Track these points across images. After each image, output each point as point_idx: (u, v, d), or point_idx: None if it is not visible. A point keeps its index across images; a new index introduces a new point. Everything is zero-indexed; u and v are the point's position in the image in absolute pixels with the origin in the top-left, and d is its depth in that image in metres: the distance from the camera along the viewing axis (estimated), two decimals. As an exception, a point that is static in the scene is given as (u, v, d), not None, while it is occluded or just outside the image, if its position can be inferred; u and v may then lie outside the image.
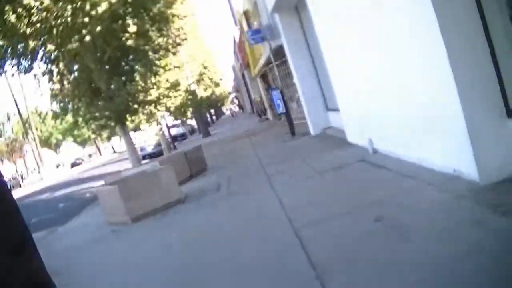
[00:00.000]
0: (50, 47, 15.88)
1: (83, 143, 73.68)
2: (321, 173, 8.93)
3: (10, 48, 16.22)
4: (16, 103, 57.26)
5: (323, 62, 12.62)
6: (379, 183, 7.00)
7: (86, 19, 15.33)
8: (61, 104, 19.05)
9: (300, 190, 8.28)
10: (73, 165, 64.79)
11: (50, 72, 18.72)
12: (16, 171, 68.16)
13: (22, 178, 66.28)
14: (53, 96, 19.22)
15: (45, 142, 66.65)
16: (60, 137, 67.12)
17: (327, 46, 11.13)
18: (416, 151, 7.06)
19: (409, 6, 5.88)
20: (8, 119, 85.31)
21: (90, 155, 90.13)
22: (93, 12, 15.11)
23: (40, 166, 58.53)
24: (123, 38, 17.89)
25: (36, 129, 59.33)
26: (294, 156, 12.11)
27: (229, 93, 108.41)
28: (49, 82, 18.82)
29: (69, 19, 15.29)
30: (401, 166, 7.38)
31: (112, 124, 18.93)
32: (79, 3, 15.00)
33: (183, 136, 52.53)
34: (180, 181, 12.55)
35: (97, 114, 18.09)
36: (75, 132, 34.84)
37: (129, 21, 16.90)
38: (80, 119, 19.23)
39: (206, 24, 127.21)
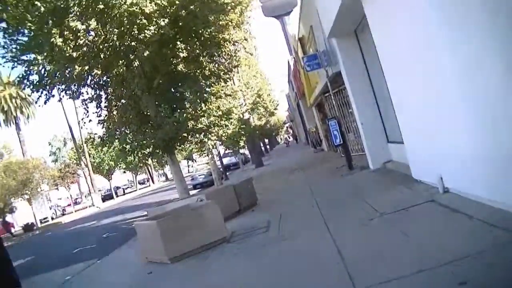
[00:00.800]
0: (97, 71, 15.36)
1: (135, 169, 73.78)
2: (385, 216, 7.75)
3: (57, 73, 15.77)
4: (70, 128, 57.99)
5: (384, 90, 11.55)
6: (457, 233, 5.80)
7: (134, 43, 14.70)
8: (109, 131, 18.47)
9: (360, 236, 7.11)
10: (105, 198, 64.51)
11: (98, 97, 18.23)
12: (70, 196, 69.10)
13: (75, 203, 67.15)
14: (101, 123, 18.69)
15: (97, 168, 67.12)
16: (112, 163, 67.47)
17: (390, 73, 10.01)
18: (505, 193, 5.81)
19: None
20: (65, 144, 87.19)
21: (141, 183, 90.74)
22: (141, 36, 14.46)
23: (91, 192, 59.03)
24: (173, 64, 17.25)
25: (89, 155, 59.79)
26: (352, 193, 10.96)
27: (284, 122, 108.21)
28: (97, 108, 18.30)
29: (116, 42, 14.71)
30: (483, 211, 6.13)
31: (160, 152, 18.21)
32: (127, 26, 14.39)
33: (235, 166, 51.86)
34: (227, 216, 11.70)
35: (144, 141, 17.41)
36: (128, 159, 34.73)
37: (180, 45, 16.22)
38: (127, 147, 18.59)
39: (261, 52, 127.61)
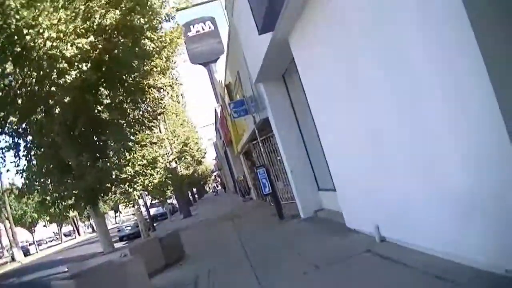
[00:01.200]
0: (13, 118, 14.36)
1: (60, 221, 70.65)
2: (320, 268, 7.27)
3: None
4: (-9, 178, 54.75)
5: (313, 136, 11.32)
6: (395, 284, 5.39)
7: (53, 88, 13.87)
8: (27, 182, 17.28)
9: (296, 292, 6.59)
10: (25, 252, 61.38)
11: (16, 146, 17.06)
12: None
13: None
14: (19, 173, 17.46)
15: (19, 221, 63.64)
16: (35, 215, 64.25)
17: (319, 117, 9.77)
18: (444, 241, 5.48)
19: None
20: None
21: (67, 235, 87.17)
22: (61, 81, 13.67)
23: (12, 246, 55.86)
24: (96, 111, 16.47)
25: (10, 206, 56.60)
26: (284, 245, 10.47)
27: (212, 171, 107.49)
28: (15, 157, 17.11)
29: (35, 87, 13.87)
30: (423, 261, 5.78)
31: (82, 204, 17.21)
32: (46, 70, 13.59)
33: (163, 216, 50.60)
34: (153, 271, 11.07)
35: (65, 193, 16.40)
36: (51, 210, 32.70)
37: (103, 91, 15.52)
38: (48, 198, 17.47)
39: (188, 100, 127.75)
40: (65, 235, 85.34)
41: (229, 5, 14.85)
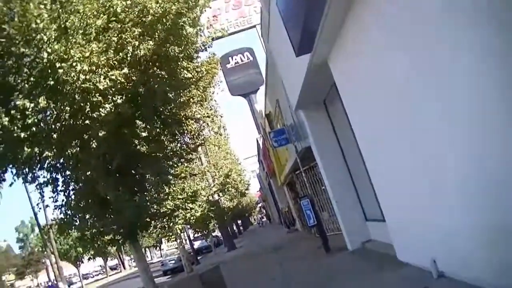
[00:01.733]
0: (48, 153, 14.05)
1: (104, 255, 70.95)
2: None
3: (8, 154, 14.45)
4: (35, 213, 55.14)
5: (359, 164, 10.65)
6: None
7: (88, 122, 13.54)
8: (67, 218, 16.92)
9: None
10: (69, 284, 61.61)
11: (55, 181, 16.71)
12: (37, 286, 66.22)
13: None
14: (58, 208, 17.10)
15: (65, 255, 64.04)
16: (80, 250, 64.67)
17: (366, 144, 9.07)
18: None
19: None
20: (33, 230, 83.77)
21: (113, 268, 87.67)
22: (95, 114, 13.33)
23: (58, 281, 56.18)
24: (133, 144, 16.08)
25: (56, 241, 56.84)
26: (330, 281, 9.70)
27: (256, 202, 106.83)
28: (53, 192, 16.77)
29: (70, 121, 13.59)
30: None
31: (121, 239, 16.74)
32: (80, 103, 13.29)
33: (207, 249, 50.09)
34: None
35: (102, 228, 15.97)
36: (89, 246, 32.70)
37: (139, 124, 15.13)
38: (87, 233, 17.06)
39: (231, 131, 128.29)
40: (111, 268, 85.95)
41: (265, 32, 14.45)
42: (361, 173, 11.17)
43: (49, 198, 16.91)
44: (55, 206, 17.03)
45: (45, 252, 60.49)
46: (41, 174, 16.50)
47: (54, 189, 16.78)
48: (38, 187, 16.71)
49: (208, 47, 17.07)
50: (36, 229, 76.00)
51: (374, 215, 11.56)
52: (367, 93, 7.88)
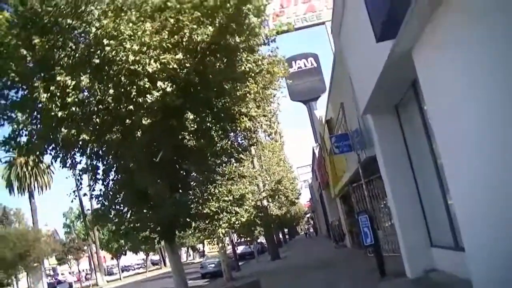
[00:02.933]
0: (85, 136, 12.96)
1: (145, 250, 70.89)
2: None
3: (49, 134, 13.53)
4: (80, 201, 55.20)
5: (431, 179, 9.26)
6: None
7: (131, 107, 12.39)
8: (102, 209, 15.92)
9: None
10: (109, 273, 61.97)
11: (94, 168, 15.65)
12: (78, 272, 66.90)
13: (86, 279, 64.73)
14: (95, 198, 16.09)
15: (106, 246, 63.92)
16: (121, 242, 64.67)
17: (451, 153, 7.39)
18: None
19: None
20: (79, 217, 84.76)
21: (154, 263, 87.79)
22: (140, 99, 12.16)
23: (97, 271, 56.37)
24: (180, 137, 14.88)
25: (98, 230, 56.74)
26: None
27: (305, 213, 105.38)
28: (91, 180, 15.77)
29: (112, 105, 12.51)
30: None
31: (157, 238, 15.62)
32: (126, 87, 12.17)
33: (250, 255, 48.90)
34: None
35: (138, 223, 14.88)
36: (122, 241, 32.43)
37: (189, 115, 13.91)
38: (122, 227, 15.99)
39: (285, 136, 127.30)
40: (153, 263, 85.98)
41: (336, 26, 12.99)
42: (433, 190, 9.88)
43: (87, 186, 15.96)
44: (91, 195, 16.10)
45: (86, 241, 60.79)
46: (81, 160, 15.55)
47: (93, 177, 15.78)
48: (74, 173, 15.82)
49: (272, 41, 15.71)
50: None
51: (443, 241, 10.08)
52: (462, 91, 6.29)
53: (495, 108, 5.37)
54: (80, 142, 13.48)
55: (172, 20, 12.58)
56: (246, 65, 14.06)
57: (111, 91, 12.22)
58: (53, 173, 59.51)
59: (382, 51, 7.95)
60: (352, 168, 16.13)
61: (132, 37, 11.70)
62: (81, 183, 15.86)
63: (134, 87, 12.18)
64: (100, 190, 15.94)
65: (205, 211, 16.30)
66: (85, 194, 16.19)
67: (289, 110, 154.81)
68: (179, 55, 12.52)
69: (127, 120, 12.91)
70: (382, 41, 7.47)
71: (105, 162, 15.73)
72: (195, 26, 12.78)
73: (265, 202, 35.55)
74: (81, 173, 15.50)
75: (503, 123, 5.28)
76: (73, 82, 11.81)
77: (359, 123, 13.09)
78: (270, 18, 16.37)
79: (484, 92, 5.57)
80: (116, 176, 15.89)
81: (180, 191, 15.54)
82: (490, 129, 5.63)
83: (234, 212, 17.99)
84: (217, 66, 13.59)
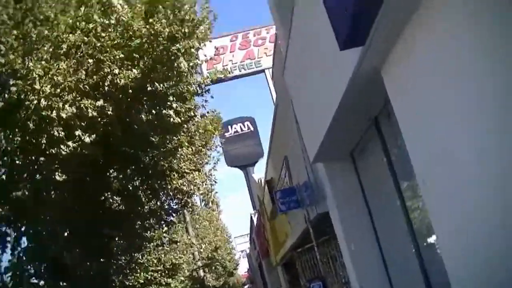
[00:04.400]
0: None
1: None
2: None
3: None
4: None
5: (400, 237, 8.04)
6: None
7: (42, 159, 10.58)
8: (12, 283, 13.64)
9: None
10: None
11: (3, 236, 13.49)
12: None
13: None
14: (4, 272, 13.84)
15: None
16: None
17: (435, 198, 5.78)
18: None
19: None
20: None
21: None
22: (53, 150, 10.36)
23: None
24: (101, 197, 12.98)
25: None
26: None
27: (243, 284, 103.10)
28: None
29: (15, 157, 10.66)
30: None
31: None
32: (34, 135, 10.37)
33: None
34: None
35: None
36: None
37: (112, 173, 12.12)
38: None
39: (224, 208, 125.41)
40: None
41: (278, 65, 11.67)
42: (401, 250, 8.49)
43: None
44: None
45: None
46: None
47: (1, 246, 13.56)
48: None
49: (206, 91, 14.25)
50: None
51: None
52: (450, 119, 4.75)
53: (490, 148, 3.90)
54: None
55: (91, 61, 10.97)
56: (174, 118, 12.43)
57: (17, 139, 10.31)
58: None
59: (343, 72, 6.43)
60: (297, 232, 14.56)
61: (42, 76, 9.97)
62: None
63: (45, 135, 10.33)
64: (8, 261, 13.74)
65: (130, 284, 14.33)
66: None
67: (227, 174, 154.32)
68: (100, 102, 10.87)
69: (37, 176, 10.99)
70: (347, 49, 5.88)
71: (19, 229, 13.59)
72: (117, 69, 11.21)
73: (201, 273, 33.60)
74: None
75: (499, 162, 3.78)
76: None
77: (308, 174, 11.52)
78: (203, 64, 15.04)
79: (477, 117, 4.10)
80: (29, 244, 13.71)
81: (102, 259, 13.47)
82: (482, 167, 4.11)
83: (165, 283, 16.07)
84: (144, 116, 11.97)
